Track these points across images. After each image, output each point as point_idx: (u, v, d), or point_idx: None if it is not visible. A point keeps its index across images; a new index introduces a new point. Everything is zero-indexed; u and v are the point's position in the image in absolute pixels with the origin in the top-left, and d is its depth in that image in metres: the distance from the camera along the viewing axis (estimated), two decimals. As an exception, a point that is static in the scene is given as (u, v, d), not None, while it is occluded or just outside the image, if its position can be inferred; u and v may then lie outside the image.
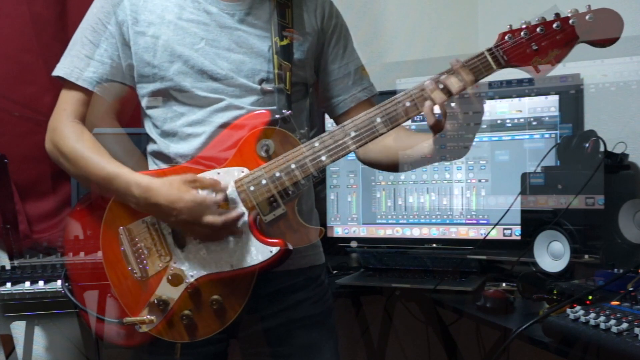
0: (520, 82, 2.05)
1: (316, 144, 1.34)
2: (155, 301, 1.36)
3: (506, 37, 1.25)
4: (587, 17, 1.21)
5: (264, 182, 1.33)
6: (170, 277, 1.37)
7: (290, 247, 1.34)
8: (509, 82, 2.07)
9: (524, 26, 1.24)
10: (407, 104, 1.30)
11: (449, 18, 2.63)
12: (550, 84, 2.01)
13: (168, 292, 1.37)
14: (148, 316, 1.37)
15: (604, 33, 1.21)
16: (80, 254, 1.65)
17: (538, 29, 1.23)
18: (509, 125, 2.04)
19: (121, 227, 1.39)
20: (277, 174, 1.33)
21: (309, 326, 1.49)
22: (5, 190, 2.09)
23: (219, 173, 1.36)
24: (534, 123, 2.01)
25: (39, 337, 2.18)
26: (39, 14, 2.19)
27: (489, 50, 1.26)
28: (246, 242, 1.34)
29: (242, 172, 1.35)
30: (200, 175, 1.35)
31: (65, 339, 2.21)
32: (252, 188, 1.34)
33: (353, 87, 1.53)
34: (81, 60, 1.42)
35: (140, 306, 1.38)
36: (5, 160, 2.06)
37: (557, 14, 1.22)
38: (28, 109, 2.15)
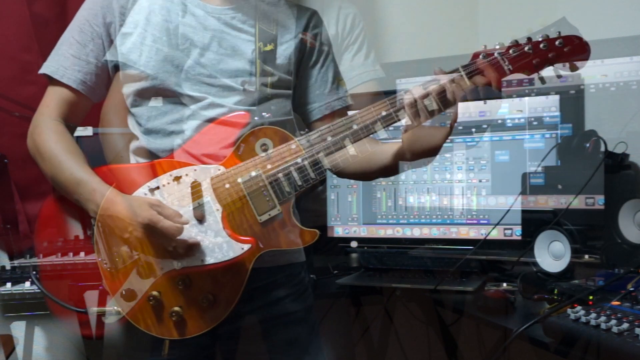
0: (520, 82, 2.05)
1: (293, 147, 1.37)
2: (124, 292, 1.38)
3: (480, 57, 1.31)
4: (556, 43, 1.29)
5: (239, 180, 1.37)
6: (140, 269, 1.39)
7: (262, 245, 1.37)
8: (509, 82, 2.07)
9: (497, 47, 1.31)
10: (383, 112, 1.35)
11: (449, 18, 2.63)
12: (550, 84, 2.01)
13: (137, 284, 1.39)
14: (115, 307, 1.39)
15: (573, 57, 1.29)
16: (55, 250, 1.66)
17: (511, 51, 1.30)
18: (510, 125, 2.04)
19: (93, 219, 1.41)
20: (253, 174, 1.37)
21: (289, 323, 1.52)
22: (5, 190, 2.09)
23: (195, 170, 1.40)
24: (535, 123, 2.01)
25: (39, 337, 2.18)
26: (39, 14, 2.19)
27: (464, 67, 1.32)
28: (218, 238, 1.37)
29: (219, 169, 1.39)
30: (176, 172, 1.38)
31: (65, 339, 2.21)
32: (227, 185, 1.37)
33: (329, 95, 1.56)
34: (67, 59, 1.46)
35: (110, 297, 1.40)
36: (5, 160, 2.06)
37: (529, 38, 1.30)
38: (28, 109, 2.14)
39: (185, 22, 1.44)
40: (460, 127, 2.08)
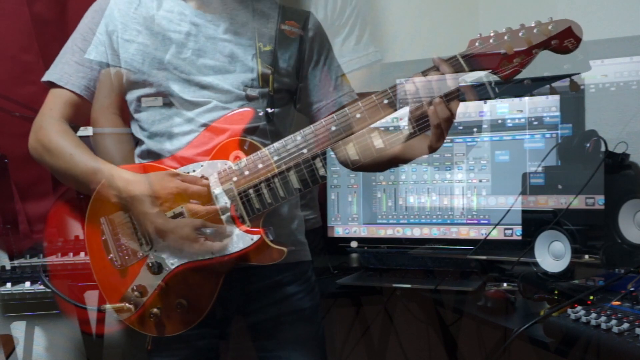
0: (521, 81, 2.04)
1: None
2: (135, 288, 1.40)
3: (477, 43, 1.34)
4: (549, 27, 1.32)
5: (247, 173, 1.38)
6: (150, 265, 1.39)
7: (271, 236, 1.39)
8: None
9: (492, 34, 1.34)
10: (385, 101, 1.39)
11: (449, 18, 2.62)
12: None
13: (148, 280, 1.40)
14: (126, 304, 1.40)
15: (566, 39, 1.31)
16: (63, 250, 1.67)
17: (506, 37, 1.32)
18: (510, 125, 2.04)
19: (103, 217, 1.42)
20: (260, 165, 1.38)
21: (297, 320, 1.53)
22: (5, 190, 2.09)
23: (202, 165, 1.41)
24: (535, 123, 2.01)
25: (39, 337, 2.18)
26: (39, 14, 2.19)
27: (462, 54, 1.34)
28: (228, 231, 1.38)
29: (226, 164, 1.40)
30: (182, 169, 1.40)
31: (65, 339, 2.21)
32: (235, 179, 1.38)
33: (334, 92, 1.57)
34: (71, 67, 1.47)
35: (119, 294, 1.41)
36: (5, 160, 2.06)
37: (522, 24, 1.33)
38: (28, 109, 2.14)
39: (186, 32, 1.45)
40: (461, 127, 2.08)
